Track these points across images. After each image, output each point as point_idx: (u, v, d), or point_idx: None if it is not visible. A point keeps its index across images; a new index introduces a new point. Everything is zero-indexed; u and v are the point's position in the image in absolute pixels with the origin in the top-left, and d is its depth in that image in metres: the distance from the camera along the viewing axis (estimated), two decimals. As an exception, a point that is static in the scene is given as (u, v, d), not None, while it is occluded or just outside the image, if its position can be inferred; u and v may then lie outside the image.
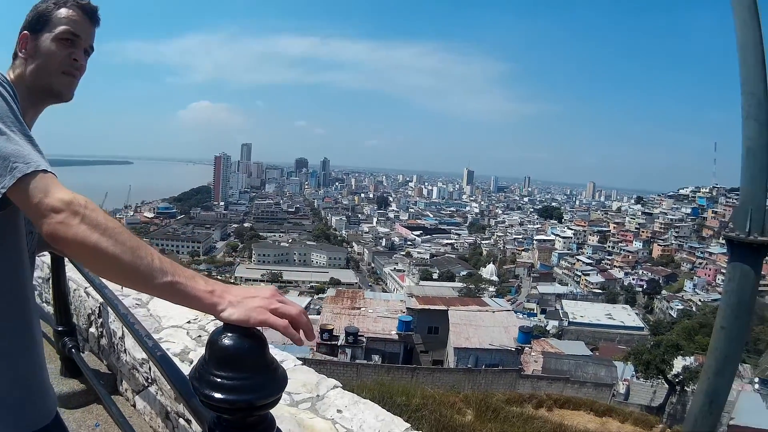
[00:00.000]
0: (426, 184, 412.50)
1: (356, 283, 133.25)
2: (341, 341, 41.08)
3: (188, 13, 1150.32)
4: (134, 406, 4.48)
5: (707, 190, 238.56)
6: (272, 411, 1.09)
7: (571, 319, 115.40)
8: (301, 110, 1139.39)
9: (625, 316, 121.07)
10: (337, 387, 3.78)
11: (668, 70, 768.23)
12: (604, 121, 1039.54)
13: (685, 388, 38.85)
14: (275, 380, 1.29)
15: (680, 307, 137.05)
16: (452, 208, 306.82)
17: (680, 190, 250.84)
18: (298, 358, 4.21)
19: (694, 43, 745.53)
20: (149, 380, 4.17)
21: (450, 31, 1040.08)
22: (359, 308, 46.92)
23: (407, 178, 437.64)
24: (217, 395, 1.24)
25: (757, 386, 72.09)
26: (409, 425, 3.34)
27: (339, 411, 3.47)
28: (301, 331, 1.10)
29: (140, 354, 4.20)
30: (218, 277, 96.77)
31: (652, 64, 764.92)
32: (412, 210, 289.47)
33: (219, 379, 1.24)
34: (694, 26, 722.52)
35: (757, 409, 46.02)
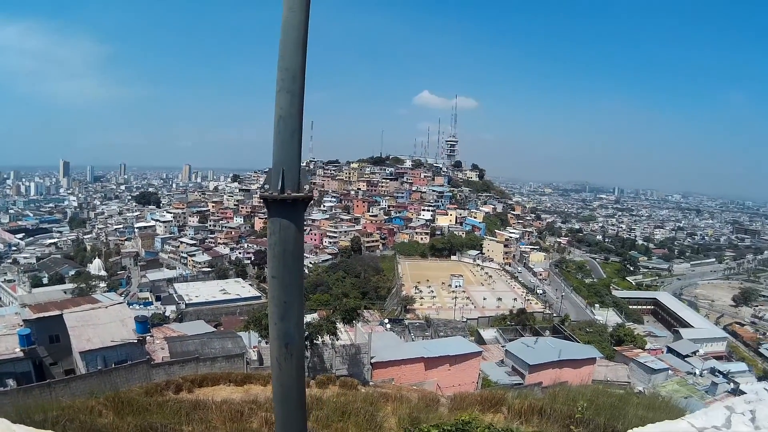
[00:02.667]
0: (24, 180, 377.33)
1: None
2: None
3: None
4: None
5: (304, 164, 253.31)
6: None
7: (187, 301, 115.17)
8: None
9: (240, 288, 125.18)
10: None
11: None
12: (199, 103, 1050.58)
13: (314, 341, 41.06)
14: None
15: None
16: (51, 204, 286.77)
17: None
18: None
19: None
20: None
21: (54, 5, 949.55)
22: (-29, 332, 40.45)
23: (5, 175, 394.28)
24: None
25: (388, 326, 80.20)
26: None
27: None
28: None
29: None
30: None
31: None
32: (12, 211, 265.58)
33: None
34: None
35: (391, 344, 52.28)
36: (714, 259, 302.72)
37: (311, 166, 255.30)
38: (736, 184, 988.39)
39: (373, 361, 45.18)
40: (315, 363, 43.33)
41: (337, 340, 43.62)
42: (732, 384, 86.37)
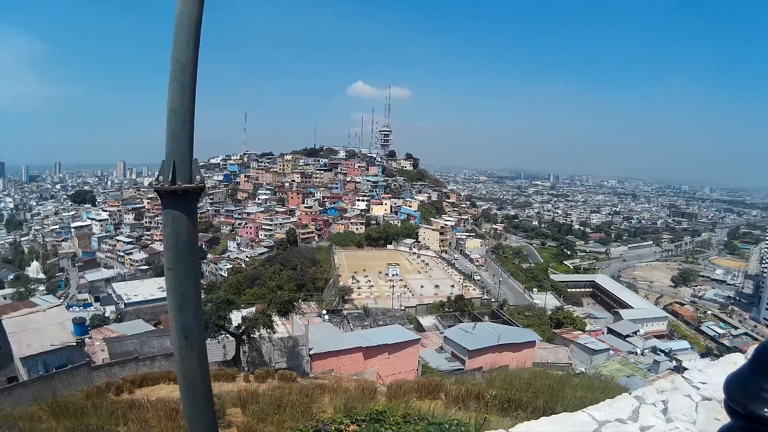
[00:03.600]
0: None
1: None
2: None
3: None
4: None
5: (238, 157, 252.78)
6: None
7: (126, 301, 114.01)
8: None
9: None
10: None
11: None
12: (133, 99, 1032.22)
13: (251, 335, 41.05)
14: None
15: (229, 266, 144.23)
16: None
17: (211, 160, 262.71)
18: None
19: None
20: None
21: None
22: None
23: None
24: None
25: (326, 317, 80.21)
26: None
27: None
28: None
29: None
30: None
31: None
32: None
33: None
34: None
35: (329, 335, 52.24)
36: (651, 242, 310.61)
37: (245, 159, 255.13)
38: (672, 170, 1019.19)
39: (311, 352, 45.35)
40: (254, 357, 43.27)
41: (274, 333, 42.92)
42: (674, 362, 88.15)
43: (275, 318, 43.70)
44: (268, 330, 41.04)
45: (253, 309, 50.78)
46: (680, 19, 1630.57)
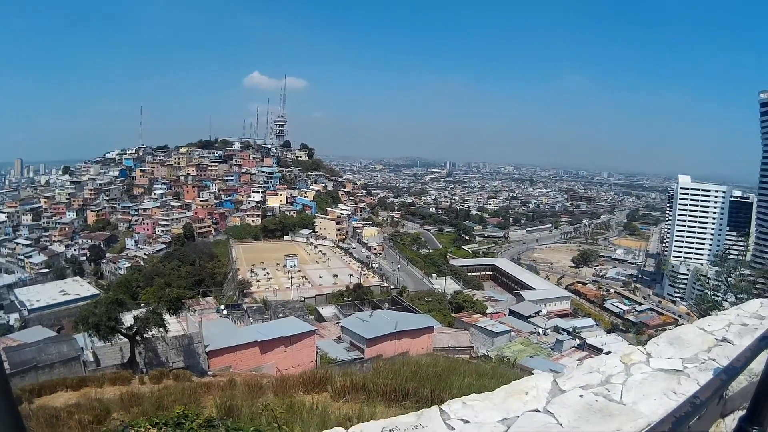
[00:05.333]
0: None
1: None
2: None
3: None
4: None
5: (134, 151, 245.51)
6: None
7: (29, 307, 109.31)
8: None
9: (79, 287, 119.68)
10: None
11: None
12: (30, 93, 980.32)
13: (144, 335, 40.31)
14: None
15: (128, 265, 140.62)
16: None
17: (107, 155, 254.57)
18: None
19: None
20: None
21: None
22: None
23: None
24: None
25: (224, 312, 79.66)
26: None
27: None
28: None
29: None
30: None
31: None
32: None
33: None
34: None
35: (225, 331, 51.80)
36: (550, 225, 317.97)
37: (141, 153, 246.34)
38: (570, 156, 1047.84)
39: (208, 350, 44.73)
40: (151, 358, 42.45)
41: (167, 332, 41.99)
42: (578, 340, 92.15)
43: (167, 316, 42.84)
44: (161, 329, 40.24)
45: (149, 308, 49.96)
46: (579, 20, 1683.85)
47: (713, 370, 3.99)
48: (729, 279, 14.44)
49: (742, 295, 12.85)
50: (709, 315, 13.58)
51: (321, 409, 12.01)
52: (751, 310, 5.42)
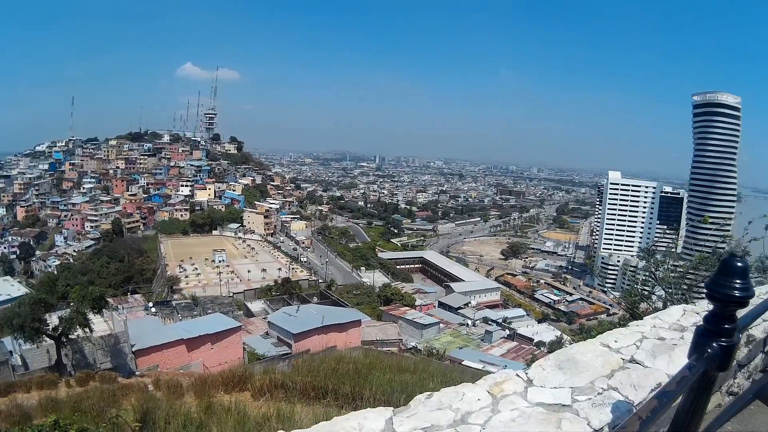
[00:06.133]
0: None
1: None
2: None
3: None
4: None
5: (63, 144, 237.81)
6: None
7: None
8: None
9: (9, 287, 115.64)
10: None
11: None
12: None
13: (69, 336, 39.39)
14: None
15: (57, 262, 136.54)
16: None
17: (36, 147, 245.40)
18: None
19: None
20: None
21: None
22: None
23: None
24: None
25: (152, 310, 78.29)
26: None
27: None
28: None
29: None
30: None
31: None
32: None
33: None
34: None
35: (152, 329, 50.58)
36: (479, 219, 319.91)
37: (70, 146, 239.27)
38: (501, 151, 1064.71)
39: (134, 349, 43.02)
40: (78, 359, 41.37)
41: (92, 332, 40.71)
42: (507, 330, 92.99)
43: (92, 316, 41.94)
44: (86, 329, 39.33)
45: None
46: (513, 16, 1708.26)
47: (611, 406, 3.17)
48: (657, 272, 13.94)
49: (670, 289, 12.80)
50: (636, 309, 14.38)
51: (239, 409, 11.94)
52: (670, 320, 4.68)
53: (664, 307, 11.87)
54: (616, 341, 4.17)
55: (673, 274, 13.49)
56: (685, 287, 13.16)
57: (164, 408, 12.94)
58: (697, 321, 4.28)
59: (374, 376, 15.02)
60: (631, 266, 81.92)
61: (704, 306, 4.84)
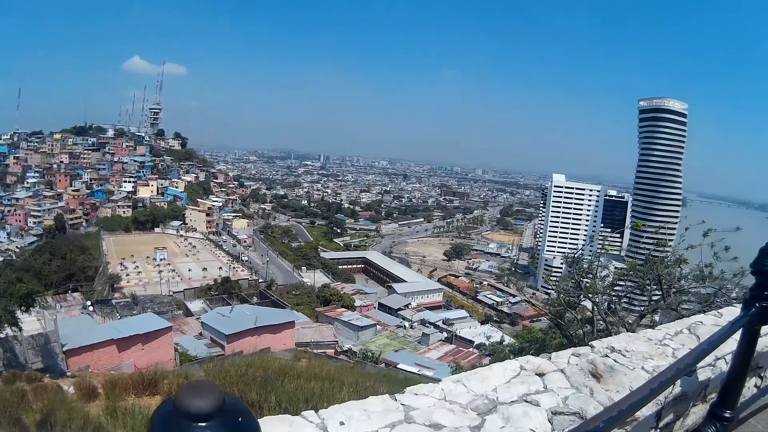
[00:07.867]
0: None
1: None
2: None
3: None
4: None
5: (8, 137, 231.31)
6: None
7: None
8: None
9: None
10: None
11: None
12: None
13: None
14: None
15: (1, 259, 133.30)
16: None
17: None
18: None
19: None
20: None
21: None
22: None
23: None
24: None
25: (90, 309, 75.89)
26: None
27: None
28: None
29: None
30: None
31: None
32: None
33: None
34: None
35: (85, 328, 49.71)
36: (422, 219, 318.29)
37: (15, 139, 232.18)
38: (445, 152, 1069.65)
39: (65, 349, 42.28)
40: (9, 359, 38.83)
41: (21, 331, 39.08)
42: (446, 333, 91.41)
43: (21, 314, 40.32)
44: (14, 328, 37.72)
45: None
46: (458, 19, 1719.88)
47: None
48: (583, 281, 12.65)
49: (596, 299, 11.54)
50: (561, 319, 13.93)
51: (142, 414, 11.58)
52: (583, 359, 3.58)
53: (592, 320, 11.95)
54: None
55: (601, 283, 12.53)
56: (614, 296, 12.62)
57: (67, 410, 12.66)
58: (533, 390, 3.15)
59: (284, 383, 14.54)
60: (556, 270, 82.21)
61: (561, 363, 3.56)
